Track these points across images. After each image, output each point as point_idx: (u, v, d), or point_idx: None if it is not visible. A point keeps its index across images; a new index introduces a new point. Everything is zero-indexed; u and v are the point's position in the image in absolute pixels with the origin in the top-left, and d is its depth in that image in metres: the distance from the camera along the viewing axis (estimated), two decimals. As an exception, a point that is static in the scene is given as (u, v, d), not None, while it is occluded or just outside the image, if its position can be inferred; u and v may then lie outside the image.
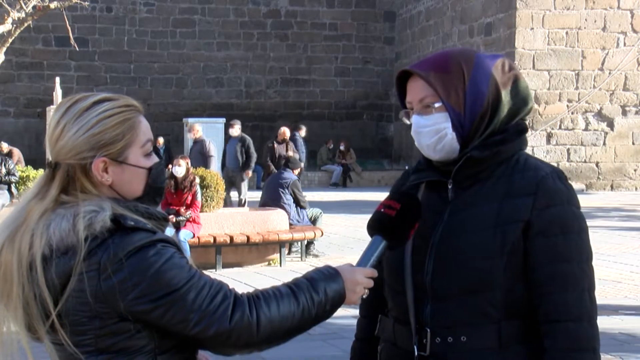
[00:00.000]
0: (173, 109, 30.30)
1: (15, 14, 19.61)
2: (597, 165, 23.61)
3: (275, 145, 19.89)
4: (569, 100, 23.42)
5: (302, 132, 23.91)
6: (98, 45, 30.11)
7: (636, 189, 23.70)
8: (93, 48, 30.01)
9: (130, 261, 2.02)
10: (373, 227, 2.29)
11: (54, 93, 19.85)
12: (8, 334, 2.12)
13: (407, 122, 2.40)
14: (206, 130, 20.76)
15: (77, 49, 24.24)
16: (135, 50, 30.44)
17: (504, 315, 2.27)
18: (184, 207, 11.42)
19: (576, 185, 22.73)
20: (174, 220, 11.25)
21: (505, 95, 2.34)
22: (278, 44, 31.42)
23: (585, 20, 23.41)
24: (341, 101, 31.85)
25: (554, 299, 2.25)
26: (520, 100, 2.37)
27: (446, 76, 2.31)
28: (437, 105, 2.32)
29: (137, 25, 30.52)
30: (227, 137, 19.73)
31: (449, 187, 2.36)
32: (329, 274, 2.19)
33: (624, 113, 23.72)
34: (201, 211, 11.72)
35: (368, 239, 2.32)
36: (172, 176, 11.65)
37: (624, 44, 23.54)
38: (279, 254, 12.22)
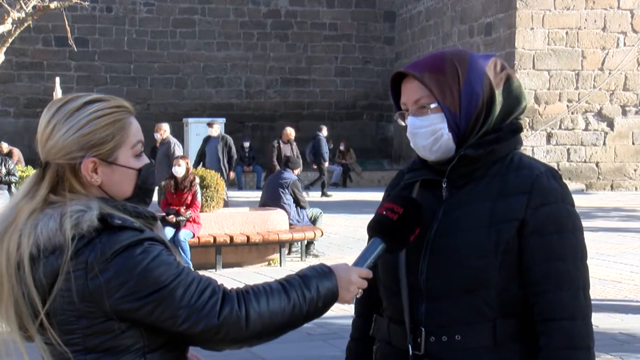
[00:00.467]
0: (173, 109, 30.29)
1: (15, 14, 19.62)
2: (597, 165, 23.60)
3: (282, 145, 19.95)
4: (569, 100, 23.42)
5: (324, 131, 23.97)
6: (98, 45, 30.11)
7: (636, 189, 23.69)
8: (93, 48, 30.01)
9: (117, 260, 2.02)
10: (373, 229, 2.30)
11: (54, 93, 19.86)
12: (1, 333, 2.13)
13: (402, 123, 2.40)
14: (206, 130, 20.81)
15: (76, 49, 24.23)
16: (135, 50, 30.44)
17: (499, 314, 2.27)
18: (184, 207, 11.42)
19: (576, 185, 22.73)
20: (174, 220, 11.26)
21: (499, 95, 2.35)
22: (278, 44, 31.42)
23: (585, 20, 23.41)
24: (341, 101, 31.85)
25: (548, 298, 2.25)
26: (514, 99, 2.38)
27: (441, 77, 2.31)
28: (432, 106, 2.32)
29: (137, 25, 30.52)
30: (207, 137, 19.78)
31: (444, 185, 2.36)
32: (322, 272, 2.20)
33: (624, 113, 23.71)
34: (201, 211, 11.72)
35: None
36: (172, 176, 11.66)
37: (624, 44, 23.54)
38: (279, 254, 12.22)
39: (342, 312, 5.26)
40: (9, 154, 21.05)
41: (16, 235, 2.07)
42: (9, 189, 16.22)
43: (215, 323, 2.06)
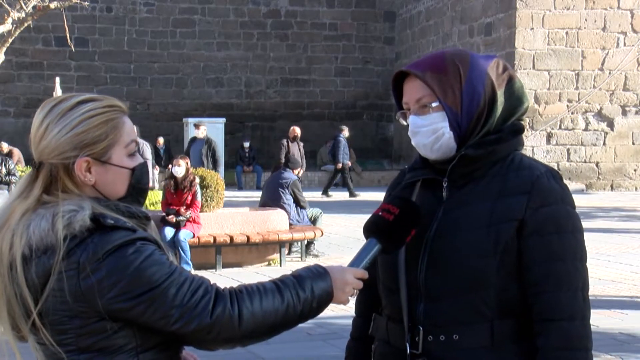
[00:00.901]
0: (173, 109, 30.30)
1: (15, 14, 19.62)
2: (597, 165, 23.60)
3: (290, 143, 19.96)
4: (569, 100, 23.42)
5: (345, 132, 23.72)
6: (98, 45, 30.11)
7: (636, 189, 23.70)
8: (93, 48, 30.01)
9: (109, 260, 2.02)
10: (369, 229, 2.30)
11: (54, 93, 19.84)
12: None
13: (404, 123, 2.40)
14: (207, 130, 20.79)
15: (74, 49, 24.23)
16: (135, 50, 30.44)
17: (497, 314, 2.27)
18: (184, 207, 11.42)
19: (576, 185, 22.73)
20: (174, 220, 11.26)
21: (500, 96, 2.35)
22: (278, 44, 31.42)
23: (585, 20, 23.41)
24: (341, 101, 31.85)
25: (547, 298, 2.25)
26: (515, 99, 2.38)
27: (443, 76, 2.32)
28: (434, 105, 2.32)
29: (137, 25, 30.52)
30: (193, 138, 19.70)
31: (444, 185, 2.36)
32: (317, 272, 2.20)
33: (624, 113, 23.71)
34: (201, 211, 11.72)
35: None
36: (172, 176, 11.66)
37: (624, 44, 23.54)
38: (279, 254, 12.22)
39: (342, 312, 5.25)
40: (9, 154, 21.07)
41: (9, 235, 2.07)
42: (9, 189, 16.23)
43: (207, 322, 2.05)
